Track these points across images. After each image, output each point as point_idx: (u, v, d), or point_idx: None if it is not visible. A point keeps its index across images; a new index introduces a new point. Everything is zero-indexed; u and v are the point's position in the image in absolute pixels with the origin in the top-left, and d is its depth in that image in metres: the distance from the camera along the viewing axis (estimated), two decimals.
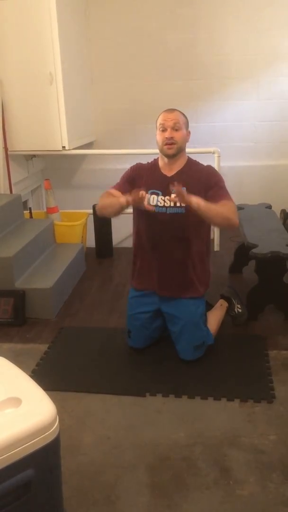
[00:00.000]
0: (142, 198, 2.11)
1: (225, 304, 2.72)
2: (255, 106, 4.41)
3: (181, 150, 2.27)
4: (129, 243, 4.18)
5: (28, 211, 3.92)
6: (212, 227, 2.46)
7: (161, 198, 2.27)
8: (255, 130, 4.48)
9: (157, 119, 2.30)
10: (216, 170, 2.38)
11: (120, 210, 2.22)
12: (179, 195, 2.06)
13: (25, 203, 4.31)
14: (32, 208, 4.08)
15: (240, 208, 3.48)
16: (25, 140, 3.82)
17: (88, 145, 4.45)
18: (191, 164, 2.33)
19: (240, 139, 4.51)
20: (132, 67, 4.41)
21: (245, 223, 3.12)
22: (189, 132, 2.32)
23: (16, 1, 3.49)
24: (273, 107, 4.40)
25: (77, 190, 4.68)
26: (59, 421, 1.28)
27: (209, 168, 2.34)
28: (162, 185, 2.27)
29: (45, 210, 4.12)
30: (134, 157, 4.49)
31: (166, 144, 2.23)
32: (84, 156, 4.57)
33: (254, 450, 1.85)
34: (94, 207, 3.93)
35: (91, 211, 3.96)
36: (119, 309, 3.02)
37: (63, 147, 3.83)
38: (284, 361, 2.39)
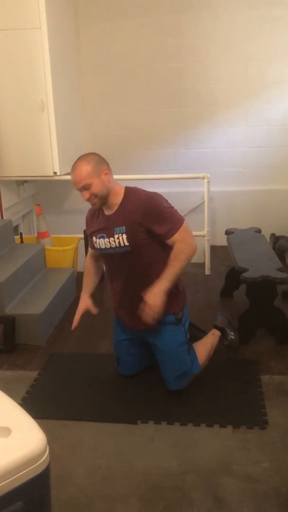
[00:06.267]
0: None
1: (218, 333, 2.65)
2: (244, 132, 4.51)
3: (107, 195, 2.15)
4: None
5: (19, 236, 3.92)
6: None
7: (107, 241, 2.20)
8: (244, 156, 4.56)
9: None
10: (154, 198, 2.14)
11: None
12: (149, 318, 2.13)
13: (16, 228, 4.31)
14: (23, 233, 4.08)
15: (230, 232, 3.52)
16: (16, 165, 3.85)
17: None
18: (129, 195, 2.17)
19: (229, 164, 4.58)
20: (122, 95, 4.50)
21: (235, 247, 3.14)
22: (106, 172, 2.13)
23: (8, 31, 3.56)
24: (261, 134, 4.49)
25: (68, 215, 4.69)
26: (49, 451, 1.26)
27: (146, 200, 2.13)
28: (106, 225, 2.20)
29: (36, 235, 4.12)
30: (124, 182, 4.54)
31: (89, 202, 2.17)
32: None
33: (247, 479, 1.82)
34: (85, 232, 3.94)
35: (82, 235, 3.96)
36: (110, 334, 2.99)
37: (55, 172, 3.86)
38: (276, 386, 2.38)
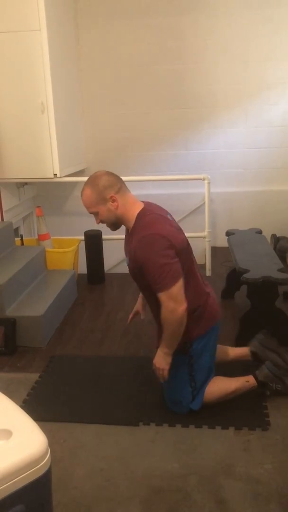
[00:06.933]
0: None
1: (253, 383, 2.25)
2: (244, 133, 4.51)
3: (117, 221, 2.06)
4: (121, 269, 4.20)
5: (20, 238, 3.92)
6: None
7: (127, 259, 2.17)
8: (244, 156, 4.56)
9: None
10: (147, 247, 1.92)
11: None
12: (160, 379, 2.13)
13: (16, 230, 4.31)
14: (23, 235, 4.08)
15: (230, 233, 3.52)
16: (17, 168, 3.85)
17: (80, 173, 4.50)
18: (137, 225, 2.01)
19: (229, 165, 4.58)
20: (122, 96, 4.50)
21: (236, 248, 3.14)
22: (113, 199, 1.99)
23: (8, 33, 3.57)
24: (261, 135, 4.49)
25: (69, 217, 4.69)
26: (51, 453, 1.25)
27: (140, 243, 1.94)
28: (128, 243, 2.12)
29: (36, 237, 4.12)
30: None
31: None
32: (75, 183, 4.61)
33: (250, 480, 1.81)
34: (85, 234, 3.95)
35: (82, 237, 3.96)
36: (110, 336, 3.00)
37: (55, 174, 3.86)
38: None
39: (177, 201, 4.52)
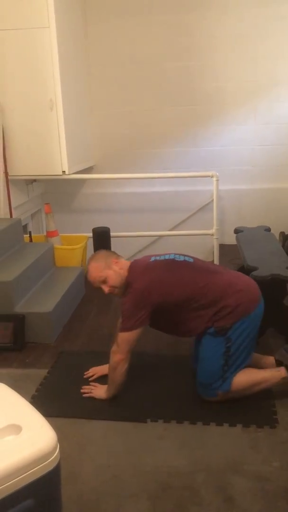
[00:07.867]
0: None
1: (284, 373, 2.23)
2: (253, 130, 4.48)
3: (122, 282, 2.29)
4: None
5: (28, 235, 3.93)
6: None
7: None
8: (253, 154, 4.53)
9: None
10: (128, 295, 2.22)
11: None
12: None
13: (25, 227, 4.32)
14: (32, 232, 4.10)
15: (239, 230, 3.51)
16: (25, 165, 3.86)
17: (88, 170, 4.50)
18: (128, 283, 2.29)
19: (238, 163, 4.56)
20: (131, 93, 4.49)
21: (244, 246, 3.13)
22: (115, 261, 2.31)
23: (17, 30, 3.58)
24: (270, 132, 4.46)
25: (77, 214, 4.70)
26: (59, 449, 1.26)
27: (125, 293, 2.26)
28: None
29: (45, 233, 4.13)
30: (133, 181, 4.56)
31: (112, 294, 2.36)
32: (84, 180, 4.62)
33: (258, 478, 1.81)
34: (93, 231, 3.95)
35: (90, 234, 3.97)
36: None
37: (63, 171, 3.87)
38: (286, 385, 2.36)
39: (185, 198, 4.51)
